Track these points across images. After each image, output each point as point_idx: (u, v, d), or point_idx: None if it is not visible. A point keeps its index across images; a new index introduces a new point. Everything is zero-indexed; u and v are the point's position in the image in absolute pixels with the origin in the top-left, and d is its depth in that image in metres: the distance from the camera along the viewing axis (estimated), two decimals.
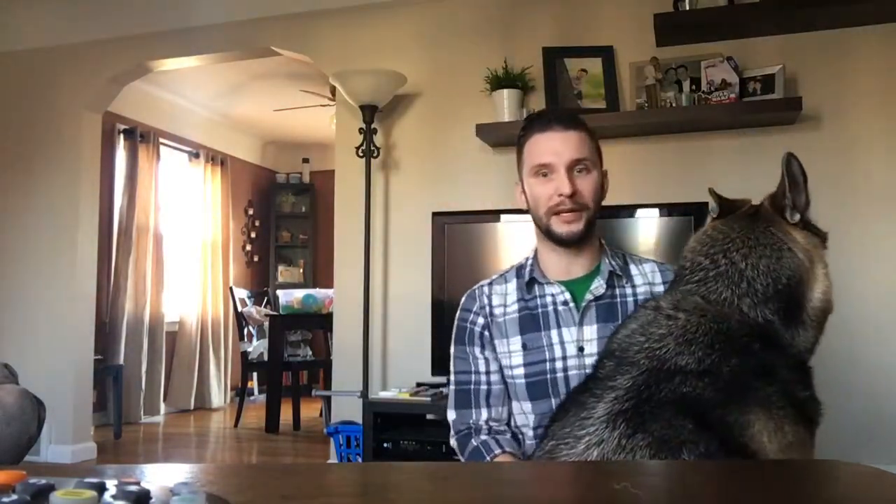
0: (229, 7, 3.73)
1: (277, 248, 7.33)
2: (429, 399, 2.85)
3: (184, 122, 6.03)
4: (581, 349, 1.47)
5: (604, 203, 1.54)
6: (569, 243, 1.49)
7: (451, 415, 1.58)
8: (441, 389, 2.93)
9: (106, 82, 4.04)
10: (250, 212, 7.07)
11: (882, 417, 2.79)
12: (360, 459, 2.98)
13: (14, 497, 0.49)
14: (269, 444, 4.68)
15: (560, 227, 1.47)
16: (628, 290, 1.51)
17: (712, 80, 2.89)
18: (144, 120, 5.58)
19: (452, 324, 1.62)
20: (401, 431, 2.87)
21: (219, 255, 6.27)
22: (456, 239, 2.90)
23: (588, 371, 1.31)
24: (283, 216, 7.35)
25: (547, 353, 1.49)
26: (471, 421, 1.54)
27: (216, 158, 6.33)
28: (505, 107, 3.16)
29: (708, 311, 1.15)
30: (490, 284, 1.60)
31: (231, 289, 5.70)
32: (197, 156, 6.16)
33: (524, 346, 1.51)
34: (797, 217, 1.23)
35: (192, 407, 5.87)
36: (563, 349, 1.48)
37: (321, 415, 5.32)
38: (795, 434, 1.07)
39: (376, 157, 3.36)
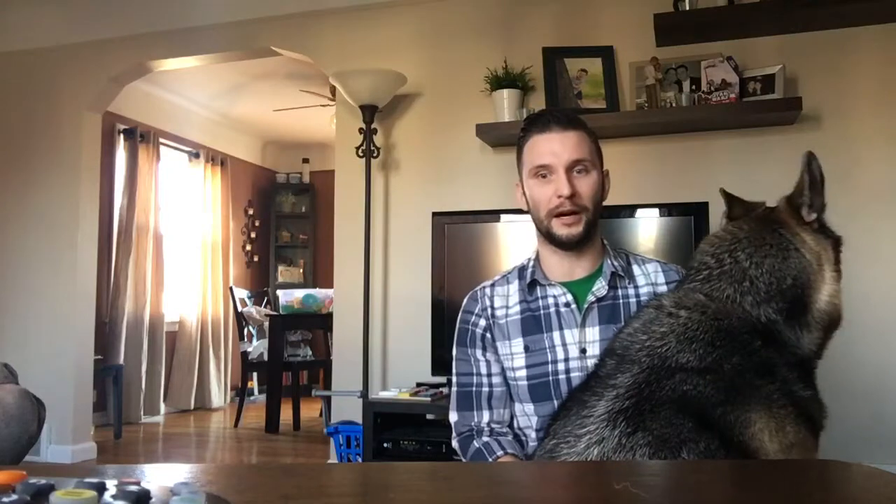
0: (229, 7, 3.73)
1: (277, 248, 7.33)
2: (429, 399, 2.85)
3: (184, 122, 6.03)
4: (583, 351, 1.47)
5: (604, 203, 1.54)
6: (569, 246, 1.48)
7: (453, 416, 1.57)
8: (441, 389, 2.93)
9: (106, 82, 4.04)
10: (250, 212, 7.07)
11: (882, 417, 2.79)
12: (360, 459, 2.98)
13: (14, 497, 0.49)
14: (269, 444, 4.68)
15: (560, 229, 1.47)
16: (631, 291, 1.51)
17: (712, 80, 2.89)
18: (144, 120, 5.58)
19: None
20: (401, 431, 2.87)
21: (219, 255, 6.27)
22: (456, 239, 2.90)
23: None
24: (283, 216, 7.35)
25: (549, 354, 1.48)
26: (473, 423, 1.53)
27: (216, 158, 6.33)
28: (505, 107, 3.16)
29: (709, 308, 1.15)
30: (492, 286, 1.59)
31: (231, 289, 5.70)
32: (197, 156, 6.16)
33: (526, 348, 1.50)
34: (813, 216, 1.22)
35: (192, 407, 5.87)
36: (566, 351, 1.48)
37: (321, 415, 5.32)
38: (797, 434, 1.07)
39: (376, 157, 3.36)
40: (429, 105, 3.45)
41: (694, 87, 2.98)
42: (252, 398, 6.29)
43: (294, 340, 5.68)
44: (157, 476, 0.77)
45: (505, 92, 3.16)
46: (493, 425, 1.52)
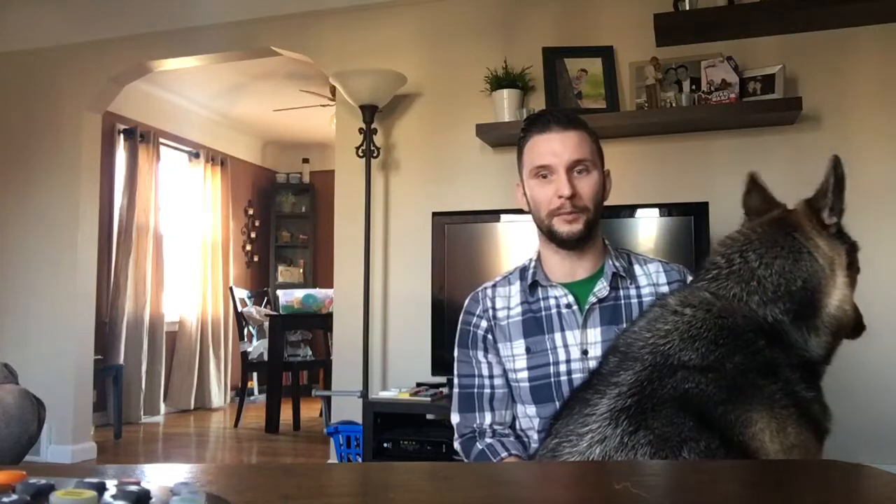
0: (229, 7, 3.73)
1: (277, 248, 7.33)
2: (429, 399, 2.85)
3: (184, 122, 6.03)
4: (585, 352, 1.47)
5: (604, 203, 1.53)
6: (570, 244, 1.48)
7: (455, 418, 1.57)
8: (441, 389, 2.93)
9: (106, 82, 4.04)
10: (250, 212, 7.07)
11: (882, 417, 2.79)
12: (360, 459, 2.98)
13: (14, 497, 0.49)
14: (269, 444, 4.68)
15: (561, 226, 1.46)
16: (632, 292, 1.50)
17: (712, 80, 2.89)
18: (144, 120, 5.58)
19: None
20: (401, 431, 2.87)
21: (219, 255, 6.27)
22: (456, 239, 2.90)
23: None
24: (283, 216, 7.36)
25: (551, 356, 1.48)
26: (475, 424, 1.53)
27: (216, 158, 6.33)
28: (505, 107, 3.16)
29: (714, 306, 1.14)
30: (493, 287, 1.59)
31: (231, 289, 5.70)
32: (197, 156, 6.16)
33: (528, 350, 1.50)
34: (833, 220, 1.21)
35: (192, 407, 5.87)
36: (567, 352, 1.48)
37: (321, 415, 5.32)
38: (798, 436, 1.06)
39: (376, 157, 3.36)
40: (429, 105, 3.45)
41: (694, 87, 2.98)
42: (252, 398, 6.29)
43: (294, 340, 5.68)
44: (157, 476, 0.77)
45: (505, 92, 3.16)
46: (496, 427, 1.52)
